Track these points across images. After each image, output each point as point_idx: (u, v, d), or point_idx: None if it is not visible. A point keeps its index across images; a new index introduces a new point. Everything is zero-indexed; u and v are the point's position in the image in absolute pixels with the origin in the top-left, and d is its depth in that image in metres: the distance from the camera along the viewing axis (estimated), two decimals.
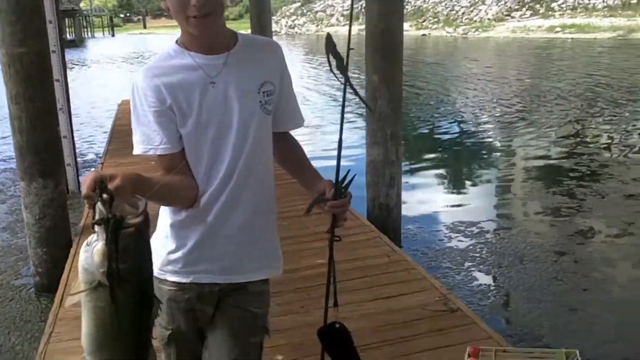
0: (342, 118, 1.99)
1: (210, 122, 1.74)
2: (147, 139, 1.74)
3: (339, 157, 1.90)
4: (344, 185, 1.84)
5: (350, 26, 2.01)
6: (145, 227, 1.41)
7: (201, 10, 1.63)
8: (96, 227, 1.34)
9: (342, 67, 1.88)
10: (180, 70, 1.73)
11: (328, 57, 1.89)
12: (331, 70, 1.88)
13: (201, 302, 1.88)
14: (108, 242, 1.32)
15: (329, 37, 1.90)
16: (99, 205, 1.34)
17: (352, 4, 2.26)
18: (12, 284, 5.44)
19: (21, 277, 5.57)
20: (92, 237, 1.36)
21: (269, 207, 1.94)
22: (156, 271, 1.77)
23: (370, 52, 5.65)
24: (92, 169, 9.16)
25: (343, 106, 1.96)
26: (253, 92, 1.78)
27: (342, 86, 1.93)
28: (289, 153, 2.01)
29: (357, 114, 11.27)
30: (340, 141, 1.95)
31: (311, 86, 20.00)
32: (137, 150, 1.76)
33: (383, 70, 5.61)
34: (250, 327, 1.93)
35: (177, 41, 1.78)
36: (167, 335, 1.89)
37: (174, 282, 1.84)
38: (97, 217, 1.34)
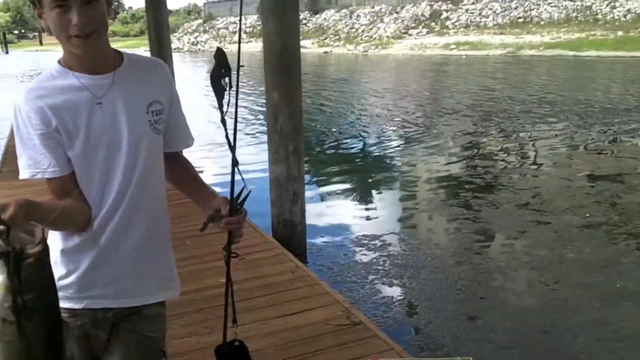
0: (235, 133, 1.96)
1: (99, 143, 1.70)
2: (34, 163, 1.68)
3: (232, 173, 1.89)
4: (239, 201, 1.84)
5: (239, 43, 2.00)
6: (46, 255, 1.36)
7: (83, 30, 1.59)
8: None
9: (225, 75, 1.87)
10: (65, 91, 1.68)
11: (218, 71, 1.89)
12: (213, 80, 1.87)
13: (95, 327, 1.83)
14: (10, 276, 1.27)
15: (220, 50, 1.89)
16: None
17: (240, 24, 2.23)
18: None
19: None
20: None
21: (163, 228, 1.92)
22: None
23: (269, 70, 5.68)
24: None
25: (235, 122, 1.95)
26: (141, 112, 1.75)
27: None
28: (181, 172, 1.99)
29: (261, 131, 11.27)
30: (233, 158, 1.94)
31: (211, 102, 19.84)
32: (24, 174, 1.70)
33: (282, 87, 5.64)
34: (146, 352, 1.89)
35: (59, 61, 1.72)
36: None
37: (66, 308, 1.76)
38: None
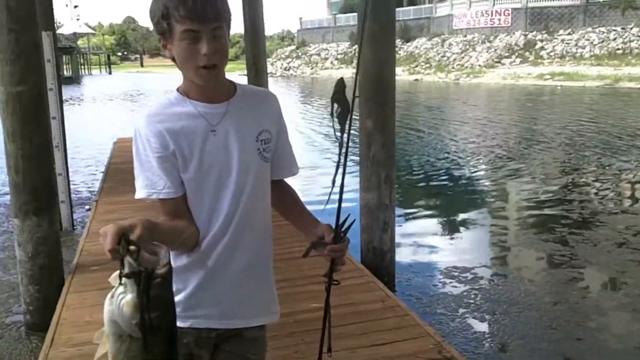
0: (345, 164, 2.00)
1: (211, 168, 1.77)
2: (151, 184, 1.76)
3: (340, 201, 1.93)
4: (343, 229, 1.87)
5: (357, 75, 2.03)
6: (171, 275, 1.42)
7: (211, 61, 1.67)
8: (124, 280, 1.34)
9: (345, 115, 1.94)
10: (183, 117, 1.76)
11: (332, 103, 1.93)
12: (332, 115, 1.95)
13: (199, 346, 1.88)
14: (140, 294, 1.32)
15: (340, 81, 1.97)
16: (127, 258, 1.34)
17: (358, 57, 2.27)
18: (2, 322, 5.38)
19: (12, 314, 5.50)
20: (117, 290, 1.36)
21: (268, 252, 1.96)
22: None
23: (364, 98, 5.71)
24: (86, 207, 9.14)
25: (346, 152, 1.99)
26: (251, 141, 1.82)
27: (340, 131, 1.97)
28: (285, 198, 2.04)
29: (353, 160, 11.30)
30: (342, 185, 1.99)
31: (311, 127, 20.12)
32: (140, 194, 1.78)
33: (376, 116, 5.67)
34: None
35: (178, 89, 1.81)
36: None
37: None
38: (126, 269, 1.34)
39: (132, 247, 1.36)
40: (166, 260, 1.42)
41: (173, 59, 1.74)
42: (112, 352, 1.39)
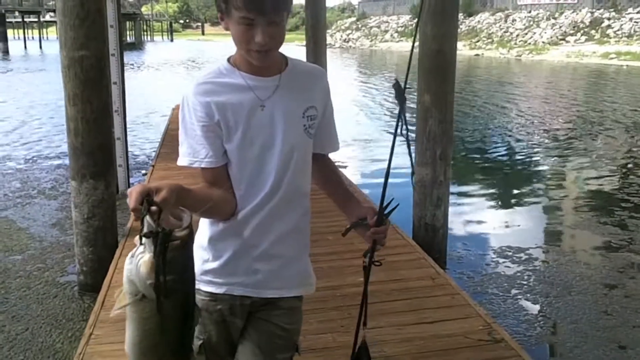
0: (392, 148, 2.03)
1: (255, 141, 1.78)
2: (193, 152, 1.78)
3: (385, 184, 1.94)
4: (386, 212, 1.89)
5: (410, 57, 1.99)
6: (191, 240, 1.43)
7: (264, 47, 1.67)
8: (144, 240, 1.35)
9: (401, 97, 1.95)
10: (231, 89, 1.77)
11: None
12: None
13: (233, 314, 1.90)
14: (156, 255, 1.33)
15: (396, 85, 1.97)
16: (147, 218, 1.36)
17: (413, 43, 2.22)
18: (57, 281, 5.53)
19: (67, 274, 5.66)
20: (137, 249, 1.38)
21: (305, 226, 1.96)
22: None
23: (423, 73, 5.60)
24: (142, 172, 9.32)
25: (395, 135, 2.00)
26: (298, 117, 1.82)
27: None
28: (328, 175, 2.06)
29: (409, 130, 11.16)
30: (388, 169, 2.00)
31: (366, 100, 19.99)
32: (183, 161, 1.80)
33: (435, 91, 5.55)
34: (279, 343, 1.93)
35: (229, 59, 1.81)
36: (198, 345, 1.89)
37: (207, 292, 1.87)
38: (145, 229, 1.35)
39: (153, 208, 1.38)
40: (187, 224, 1.42)
41: (227, 29, 1.74)
42: (128, 311, 1.41)
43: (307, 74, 1.91)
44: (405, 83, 1.96)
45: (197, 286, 1.80)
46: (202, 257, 1.86)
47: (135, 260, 1.37)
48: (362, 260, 1.98)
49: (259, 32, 1.64)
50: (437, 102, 5.56)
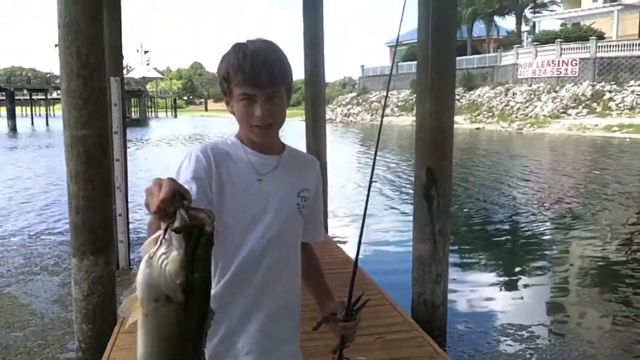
0: (360, 240, 2.09)
1: (247, 210, 1.82)
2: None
3: (353, 277, 1.98)
4: (355, 308, 1.92)
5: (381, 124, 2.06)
6: (213, 237, 1.33)
7: (264, 122, 1.78)
8: (169, 237, 1.26)
9: None
10: (234, 158, 1.84)
11: None
12: None
13: None
14: (188, 251, 1.24)
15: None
16: (181, 211, 1.26)
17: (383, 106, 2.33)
18: (57, 357, 5.53)
19: (66, 351, 5.64)
20: (159, 250, 1.27)
21: (296, 305, 1.97)
22: None
23: (420, 148, 5.68)
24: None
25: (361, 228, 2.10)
26: (293, 195, 1.90)
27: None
28: (307, 263, 2.08)
29: (408, 203, 11.25)
30: (356, 259, 2.07)
31: (367, 176, 20.11)
32: None
33: (433, 166, 5.60)
34: None
35: (236, 135, 1.91)
36: None
37: None
38: (177, 224, 1.24)
39: (185, 202, 1.28)
40: (211, 220, 1.31)
41: (233, 113, 1.85)
42: (143, 321, 1.29)
43: (302, 160, 2.01)
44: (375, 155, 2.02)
45: None
46: None
47: (157, 262, 1.26)
48: (332, 357, 1.97)
49: (259, 107, 1.76)
50: (435, 178, 5.62)
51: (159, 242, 1.27)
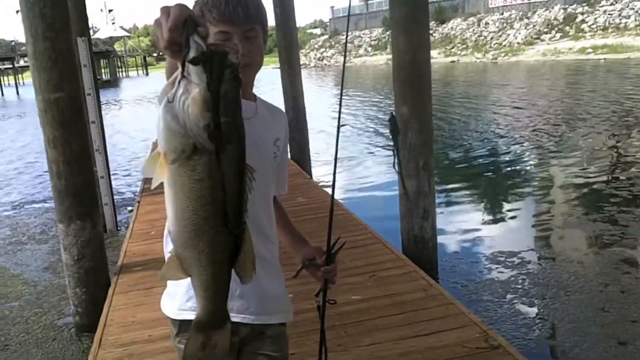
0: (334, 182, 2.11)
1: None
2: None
3: (330, 221, 2.00)
4: (334, 251, 1.95)
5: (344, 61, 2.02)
6: (239, 72, 1.14)
7: (242, 61, 1.68)
8: (187, 72, 1.07)
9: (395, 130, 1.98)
10: None
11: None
12: None
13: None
14: (212, 85, 1.05)
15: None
16: (195, 38, 1.06)
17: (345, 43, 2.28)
18: (55, 324, 5.51)
19: (64, 316, 5.63)
20: (178, 90, 1.09)
21: (271, 257, 1.93)
22: (174, 312, 1.81)
23: (399, 85, 5.64)
24: (129, 208, 9.27)
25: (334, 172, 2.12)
26: (271, 142, 1.88)
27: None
28: (278, 215, 2.05)
29: (390, 145, 11.24)
30: (332, 205, 2.07)
31: (348, 120, 20.04)
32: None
33: (412, 102, 5.58)
34: None
35: None
36: None
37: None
38: (193, 53, 1.05)
39: (200, 28, 1.08)
40: (236, 50, 1.12)
41: None
42: (170, 179, 1.13)
43: (273, 111, 1.97)
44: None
45: (183, 317, 1.80)
46: (185, 287, 1.75)
47: (179, 104, 1.07)
48: (315, 300, 1.99)
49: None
50: (415, 113, 5.59)
51: (176, 82, 1.08)
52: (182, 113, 1.06)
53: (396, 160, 5.31)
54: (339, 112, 2.21)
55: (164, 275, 1.27)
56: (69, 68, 4.86)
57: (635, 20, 40.89)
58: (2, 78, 65.73)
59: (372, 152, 13.62)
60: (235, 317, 1.81)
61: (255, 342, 1.89)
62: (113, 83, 57.49)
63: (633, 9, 41.74)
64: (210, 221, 1.16)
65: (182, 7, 1.10)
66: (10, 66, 66.25)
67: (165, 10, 1.10)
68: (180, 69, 1.08)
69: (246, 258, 1.26)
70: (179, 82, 1.07)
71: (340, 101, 2.18)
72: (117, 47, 79.90)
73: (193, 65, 1.04)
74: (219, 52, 1.05)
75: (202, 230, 1.16)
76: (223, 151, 1.09)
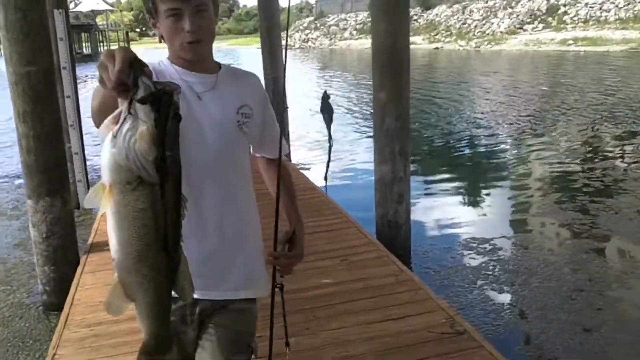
0: (279, 175, 2.02)
1: (187, 128, 1.66)
2: None
3: (277, 211, 1.95)
4: (287, 240, 1.94)
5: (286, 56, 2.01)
6: (178, 109, 1.22)
7: (195, 37, 1.71)
8: (138, 108, 1.14)
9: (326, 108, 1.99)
10: (167, 79, 1.72)
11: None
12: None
13: (184, 324, 1.86)
14: (160, 123, 1.12)
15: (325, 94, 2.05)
16: (143, 79, 1.14)
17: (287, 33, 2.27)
18: (23, 302, 5.42)
19: (32, 295, 5.53)
20: (123, 126, 1.15)
21: (251, 224, 1.96)
22: None
23: (377, 69, 5.63)
24: None
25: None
26: (232, 112, 1.84)
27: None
28: (274, 181, 2.04)
29: (368, 130, 11.23)
30: (278, 195, 1.99)
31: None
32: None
33: (390, 87, 5.57)
34: (232, 346, 1.90)
35: (167, 57, 1.85)
36: None
37: None
38: (142, 92, 1.13)
39: (145, 69, 1.16)
40: (177, 88, 1.20)
41: (161, 38, 1.78)
42: (114, 209, 1.19)
43: (241, 77, 1.95)
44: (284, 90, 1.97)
45: None
46: None
47: (125, 139, 1.14)
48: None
49: (187, 21, 1.68)
50: (393, 99, 5.58)
51: (122, 119, 1.15)
52: (129, 148, 1.13)
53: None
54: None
55: (110, 303, 1.32)
56: (42, 41, 4.75)
57: (615, 14, 41.19)
58: None
59: (355, 135, 13.58)
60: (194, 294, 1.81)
61: (217, 315, 1.89)
62: (94, 57, 56.63)
63: (614, 2, 42.03)
64: (153, 247, 1.24)
65: (127, 50, 1.18)
66: None
67: (110, 53, 1.18)
68: (125, 106, 1.14)
69: (184, 279, 1.35)
70: (125, 119, 1.14)
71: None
72: (99, 20, 78.68)
73: (141, 104, 1.12)
74: (166, 92, 1.14)
75: (146, 255, 1.24)
76: (167, 182, 1.18)
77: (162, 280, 1.31)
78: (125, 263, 1.26)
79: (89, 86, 27.60)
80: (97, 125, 1.49)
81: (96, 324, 3.91)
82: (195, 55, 1.76)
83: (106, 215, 1.23)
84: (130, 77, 1.14)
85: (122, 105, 1.17)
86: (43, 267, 5.05)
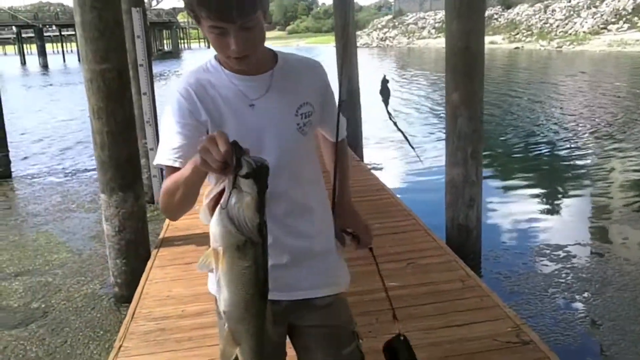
0: (335, 173, 2.01)
1: (243, 141, 1.61)
2: (168, 150, 1.65)
3: (334, 200, 1.98)
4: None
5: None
6: None
7: (241, 54, 1.59)
8: (242, 182, 1.33)
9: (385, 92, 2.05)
10: (219, 87, 1.69)
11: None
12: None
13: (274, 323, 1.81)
14: (261, 193, 1.34)
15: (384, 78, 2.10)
16: (246, 157, 1.34)
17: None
18: (96, 293, 5.59)
19: (105, 286, 5.70)
20: (231, 199, 1.35)
21: (325, 225, 1.91)
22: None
23: (450, 70, 5.51)
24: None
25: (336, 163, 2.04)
26: (291, 115, 1.75)
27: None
28: (332, 162, 2.04)
29: (441, 130, 11.06)
30: (334, 187, 2.00)
31: (406, 101, 19.81)
32: (160, 160, 1.67)
33: (463, 89, 5.44)
34: (336, 342, 1.89)
35: (215, 56, 1.74)
36: None
37: None
38: (245, 169, 1.33)
39: (244, 149, 1.36)
40: (265, 160, 1.39)
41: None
42: (227, 268, 1.39)
43: (299, 68, 1.82)
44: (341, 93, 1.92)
45: None
46: None
47: (232, 210, 1.35)
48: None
49: (232, 41, 1.55)
50: (466, 100, 5.45)
51: (227, 193, 1.35)
52: (238, 217, 1.34)
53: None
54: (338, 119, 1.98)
55: (224, 351, 1.52)
56: (116, 39, 4.88)
57: None
58: (65, 44, 66.99)
59: (427, 137, 13.38)
60: (277, 296, 1.75)
61: (303, 313, 1.87)
62: (174, 54, 58.16)
63: None
64: (256, 297, 1.44)
65: (225, 135, 1.32)
66: (74, 33, 67.76)
67: (211, 139, 1.32)
68: (230, 182, 1.34)
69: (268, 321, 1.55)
70: (230, 193, 1.34)
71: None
72: (180, 18, 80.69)
73: (245, 179, 1.33)
74: (263, 166, 1.35)
75: (252, 304, 1.45)
76: (265, 241, 1.40)
77: (262, 324, 1.50)
78: (234, 314, 1.46)
79: (169, 83, 28.35)
80: (173, 217, 1.69)
81: (162, 318, 3.98)
82: (244, 66, 1.65)
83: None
84: (233, 157, 1.32)
85: (224, 182, 1.38)
86: (115, 260, 5.19)
